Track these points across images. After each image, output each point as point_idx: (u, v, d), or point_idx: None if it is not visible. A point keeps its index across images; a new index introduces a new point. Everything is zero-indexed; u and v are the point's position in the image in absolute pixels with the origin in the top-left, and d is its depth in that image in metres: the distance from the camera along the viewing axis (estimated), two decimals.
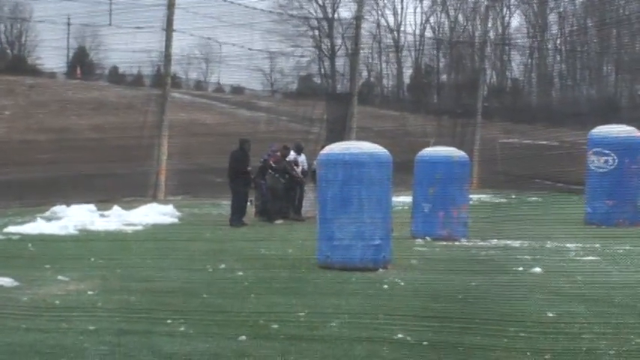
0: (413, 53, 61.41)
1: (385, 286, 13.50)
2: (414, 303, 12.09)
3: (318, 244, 15.79)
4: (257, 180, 24.73)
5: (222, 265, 15.45)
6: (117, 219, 23.18)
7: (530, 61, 59.14)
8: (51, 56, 51.69)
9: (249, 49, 41.60)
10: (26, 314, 10.88)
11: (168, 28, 32.83)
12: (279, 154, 25.54)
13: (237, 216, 23.43)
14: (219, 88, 60.18)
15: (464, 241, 19.88)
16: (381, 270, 15.19)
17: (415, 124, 46.07)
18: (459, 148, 23.33)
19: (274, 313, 11.06)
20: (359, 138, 32.07)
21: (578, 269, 15.53)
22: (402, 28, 61.68)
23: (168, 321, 10.47)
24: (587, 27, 55.33)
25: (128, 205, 25.73)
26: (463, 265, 15.91)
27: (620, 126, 25.92)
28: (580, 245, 18.90)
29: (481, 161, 39.86)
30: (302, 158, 26.31)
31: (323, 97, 45.61)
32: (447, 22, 64.69)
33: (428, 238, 20.05)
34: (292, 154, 25.98)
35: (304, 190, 25.59)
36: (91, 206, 24.19)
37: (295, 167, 25.56)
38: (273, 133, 38.40)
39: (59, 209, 23.93)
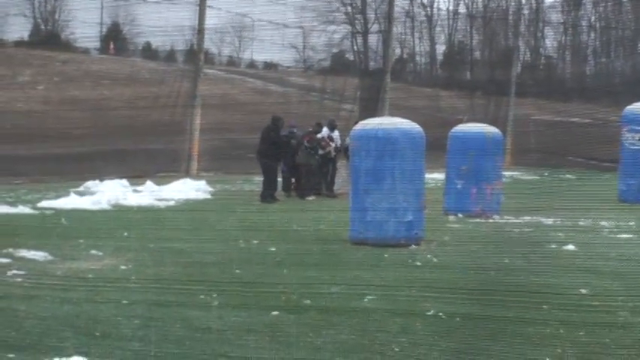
0: (446, 30, 61.15)
1: (418, 263, 13.48)
2: (446, 279, 12.05)
3: (351, 220, 15.77)
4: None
5: (255, 241, 15.46)
6: (150, 194, 23.25)
7: (564, 37, 58.70)
8: (84, 31, 51.71)
9: (283, 25, 41.62)
10: (60, 287, 10.94)
11: (202, 4, 32.82)
12: (310, 129, 25.49)
13: (268, 192, 23.39)
14: (251, 64, 60.12)
15: (497, 218, 19.78)
16: (413, 246, 15.16)
17: (448, 101, 45.95)
18: (492, 124, 23.18)
19: (307, 286, 11.07)
20: (392, 115, 31.94)
21: (612, 246, 15.41)
22: (435, 4, 61.31)
23: (202, 295, 10.50)
24: (622, 3, 54.78)
25: (161, 181, 25.81)
26: (496, 242, 15.85)
27: None
28: (614, 223, 18.76)
29: (514, 138, 39.67)
30: (335, 135, 26.23)
31: (356, 74, 45.55)
32: None
33: (460, 215, 19.95)
34: (325, 131, 25.92)
35: (336, 167, 25.54)
36: (124, 181, 24.29)
37: (330, 143, 25.45)
38: (306, 108, 38.35)
39: (92, 184, 24.06)
